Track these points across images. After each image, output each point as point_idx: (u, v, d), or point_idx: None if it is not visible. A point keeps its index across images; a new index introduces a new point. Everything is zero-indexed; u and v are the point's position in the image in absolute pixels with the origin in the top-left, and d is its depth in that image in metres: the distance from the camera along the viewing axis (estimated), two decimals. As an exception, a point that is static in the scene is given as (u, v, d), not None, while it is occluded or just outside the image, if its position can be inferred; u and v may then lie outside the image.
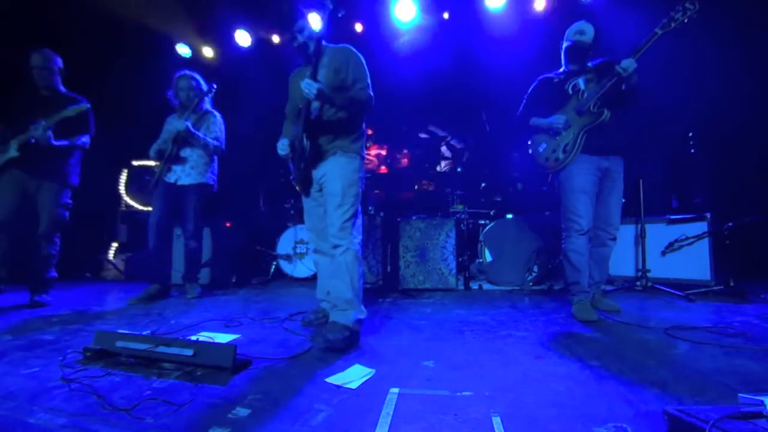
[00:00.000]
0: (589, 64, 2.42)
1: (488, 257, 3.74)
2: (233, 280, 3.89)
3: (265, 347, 1.79)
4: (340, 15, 2.00)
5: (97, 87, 3.44)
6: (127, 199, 4.76)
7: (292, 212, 4.34)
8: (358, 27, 5.05)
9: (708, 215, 3.09)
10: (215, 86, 3.17)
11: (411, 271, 3.46)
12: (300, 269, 4.09)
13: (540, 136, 2.51)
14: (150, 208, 3.33)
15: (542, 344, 1.80)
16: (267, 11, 4.89)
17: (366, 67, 2.04)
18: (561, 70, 2.52)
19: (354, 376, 1.42)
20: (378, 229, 3.69)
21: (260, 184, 5.02)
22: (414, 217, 3.61)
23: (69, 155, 2.87)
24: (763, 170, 3.66)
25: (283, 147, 2.06)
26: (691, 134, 3.81)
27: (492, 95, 4.68)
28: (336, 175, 1.96)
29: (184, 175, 3.10)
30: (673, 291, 2.86)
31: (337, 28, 4.52)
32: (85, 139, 2.90)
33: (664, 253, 3.24)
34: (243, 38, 5.16)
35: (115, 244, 4.60)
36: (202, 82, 3.20)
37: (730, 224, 2.95)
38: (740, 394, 0.99)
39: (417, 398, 1.23)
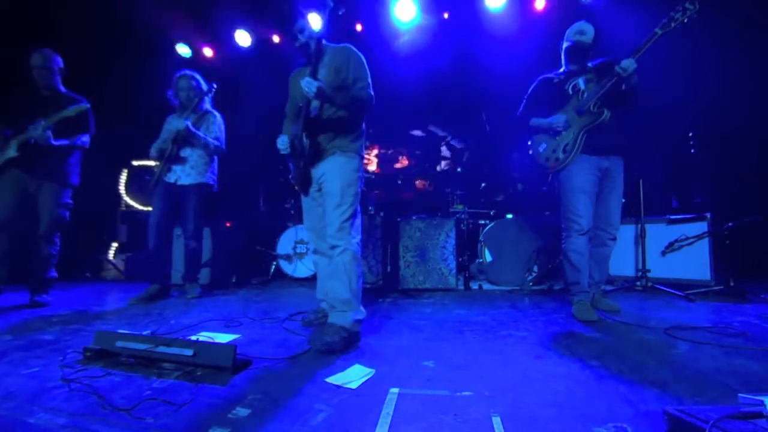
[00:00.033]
0: (589, 64, 2.42)
1: (488, 257, 3.74)
2: (233, 280, 3.89)
3: (265, 347, 1.79)
4: (340, 13, 2.00)
5: (97, 87, 3.44)
6: (127, 199, 4.77)
7: (292, 212, 4.34)
8: (358, 27, 5.05)
9: (708, 215, 3.09)
10: (215, 86, 3.17)
11: (411, 271, 3.46)
12: (300, 269, 4.09)
13: (540, 136, 2.51)
14: (150, 208, 3.33)
15: (542, 344, 1.80)
16: (267, 11, 4.89)
17: (366, 66, 2.04)
18: (561, 70, 2.52)
19: (354, 376, 1.42)
20: (378, 229, 3.69)
21: (260, 184, 5.02)
22: (414, 217, 3.60)
23: (69, 155, 2.87)
24: (763, 170, 3.66)
25: (283, 143, 2.04)
26: (691, 134, 3.81)
27: (492, 95, 4.68)
28: (335, 175, 1.96)
29: (184, 175, 3.10)
30: (673, 291, 2.86)
31: (337, 28, 4.53)
32: (85, 138, 2.90)
33: (664, 253, 3.24)
34: (243, 38, 5.15)
35: (115, 244, 4.60)
36: (202, 82, 3.20)
37: (730, 224, 2.96)
38: (740, 394, 0.99)
39: (417, 398, 1.23)
